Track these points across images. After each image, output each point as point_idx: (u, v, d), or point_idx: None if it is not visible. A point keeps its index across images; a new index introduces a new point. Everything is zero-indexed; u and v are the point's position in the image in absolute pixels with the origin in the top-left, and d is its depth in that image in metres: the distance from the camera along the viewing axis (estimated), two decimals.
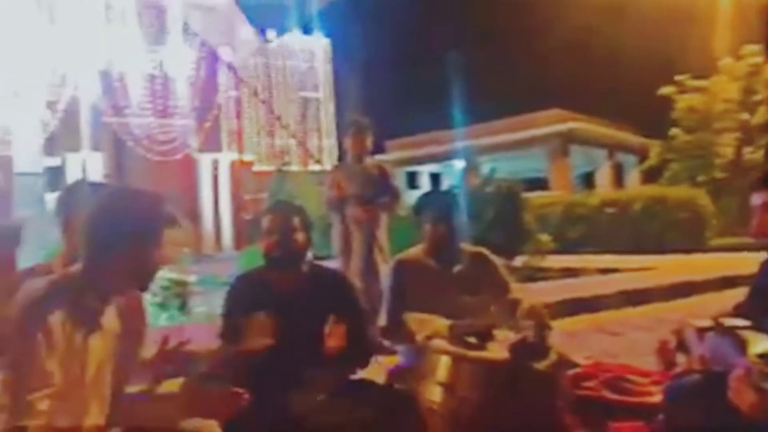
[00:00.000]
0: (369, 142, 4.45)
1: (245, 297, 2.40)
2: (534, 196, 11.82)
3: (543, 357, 2.25)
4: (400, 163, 22.08)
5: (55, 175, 13.81)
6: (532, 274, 8.18)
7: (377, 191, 4.39)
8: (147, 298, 6.16)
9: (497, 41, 23.22)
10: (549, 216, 12.20)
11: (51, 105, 13.10)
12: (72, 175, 13.55)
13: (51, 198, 9.47)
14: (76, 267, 1.68)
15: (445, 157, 21.66)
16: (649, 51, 18.77)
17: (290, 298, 2.34)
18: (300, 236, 2.37)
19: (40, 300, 1.54)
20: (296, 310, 2.27)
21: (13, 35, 12.61)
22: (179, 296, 6.52)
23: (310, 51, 19.66)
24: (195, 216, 14.96)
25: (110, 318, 1.72)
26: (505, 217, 8.76)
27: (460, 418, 2.10)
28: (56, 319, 1.51)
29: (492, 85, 21.55)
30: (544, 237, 9.16)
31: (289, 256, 2.37)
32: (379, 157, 22.18)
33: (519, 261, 8.52)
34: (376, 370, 2.60)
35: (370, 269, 4.25)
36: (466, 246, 2.91)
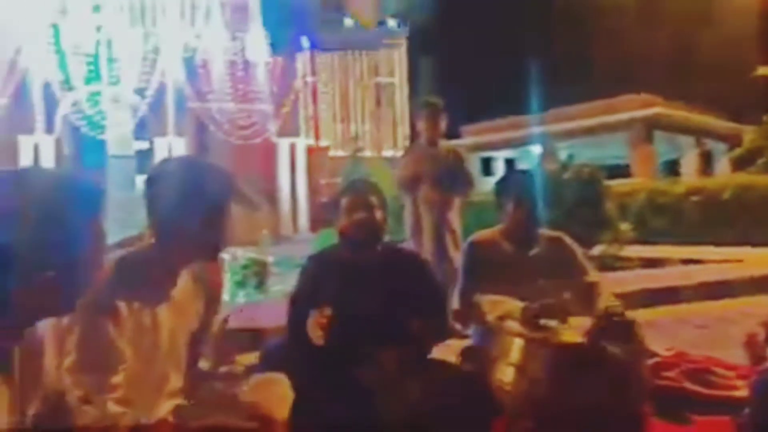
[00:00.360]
0: (443, 124, 4.41)
1: (319, 275, 2.43)
2: (615, 184, 11.38)
3: (622, 343, 2.19)
4: (475, 148, 21.79)
5: (144, 157, 14.59)
6: (611, 264, 7.90)
7: (450, 174, 4.35)
8: (226, 275, 6.37)
9: (578, 23, 22.36)
10: (630, 204, 11.71)
11: (140, 91, 13.81)
12: (160, 158, 14.21)
13: (141, 180, 10.00)
14: (146, 242, 1.73)
15: (522, 143, 21.20)
16: (741, 29, 17.55)
17: (365, 276, 2.34)
18: (378, 214, 2.35)
19: (106, 280, 1.54)
20: (371, 287, 2.28)
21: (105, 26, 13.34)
22: (257, 275, 6.74)
23: (386, 37, 19.69)
24: (273, 199, 15.37)
25: (182, 289, 1.76)
26: (584, 203, 8.47)
27: (531, 400, 2.08)
28: (123, 297, 1.54)
29: (572, 69, 20.85)
30: (625, 226, 8.82)
31: (368, 235, 2.37)
32: (453, 142, 22.04)
33: (597, 250, 8.25)
34: (447, 353, 2.60)
35: (440, 251, 4.23)
36: (544, 230, 2.85)
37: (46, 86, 13.32)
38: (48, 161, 13.43)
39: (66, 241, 1.16)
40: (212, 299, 2.14)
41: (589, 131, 20.12)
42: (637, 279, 6.24)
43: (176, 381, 1.74)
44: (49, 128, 13.53)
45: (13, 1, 13.86)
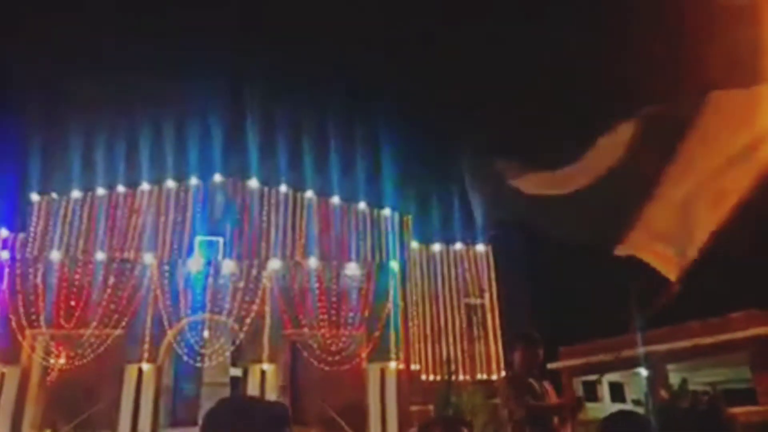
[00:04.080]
0: (540, 355, 4.25)
1: None
2: (739, 412, 10.13)
3: None
4: (576, 371, 20.55)
5: (237, 384, 14.79)
6: None
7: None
8: None
9: None
10: None
11: (239, 319, 14.52)
12: (252, 385, 14.35)
13: None
14: None
15: (628, 365, 19.79)
16: None
17: None
18: None
19: None
20: None
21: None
22: None
23: (474, 257, 20.18)
24: (363, 427, 14.81)
25: None
26: None
27: None
28: None
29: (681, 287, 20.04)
30: None
31: None
32: (552, 365, 20.99)
33: None
34: None
35: None
36: None
37: (156, 317, 14.32)
38: (148, 388, 13.86)
39: None
40: None
41: (704, 351, 18.58)
42: None
43: None
44: (153, 357, 14.20)
45: (135, 242, 15.73)
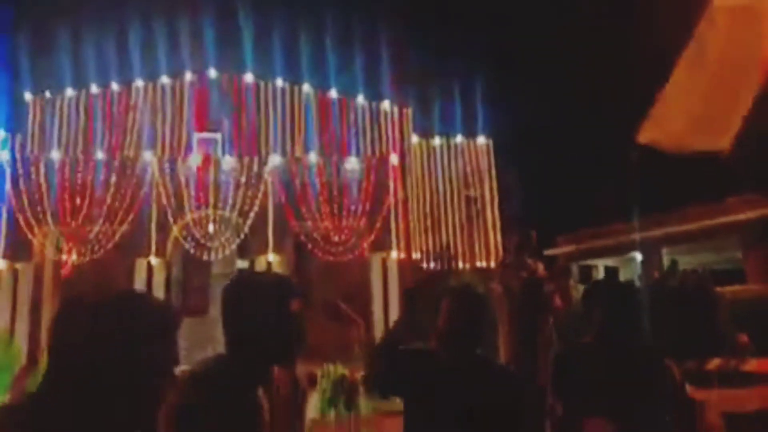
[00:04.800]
0: (533, 241, 4.44)
1: (410, 364, 2.42)
2: (728, 291, 10.54)
3: None
4: (572, 257, 21.16)
5: None
6: (729, 379, 7.16)
7: (546, 293, 4.30)
8: (318, 391, 6.40)
9: None
10: (747, 313, 10.74)
11: (243, 213, 14.80)
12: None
13: None
14: (217, 356, 1.79)
15: (622, 250, 20.36)
16: None
17: (457, 380, 2.31)
18: (477, 324, 2.40)
19: (188, 391, 1.61)
20: (461, 392, 2.24)
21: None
22: (347, 392, 6.68)
23: (475, 150, 20.17)
24: (367, 314, 15.46)
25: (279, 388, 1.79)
26: (693, 313, 7.90)
27: None
28: (202, 412, 1.58)
29: (674, 170, 20.13)
30: (744, 337, 8.06)
31: (462, 339, 2.38)
32: (549, 251, 21.59)
33: (713, 364, 7.54)
34: None
35: (537, 366, 4.07)
36: (636, 342, 2.69)
37: (161, 213, 14.61)
38: (159, 281, 14.43)
39: None
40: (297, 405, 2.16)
41: (698, 235, 19.05)
42: (761, 396, 5.60)
43: None
44: (161, 251, 14.63)
45: (134, 140, 15.73)
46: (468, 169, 20.27)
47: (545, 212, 20.13)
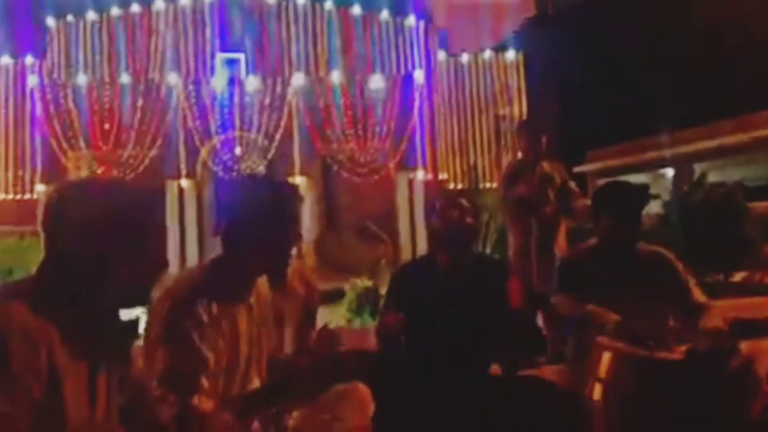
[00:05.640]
0: (543, 143, 4.37)
1: (410, 278, 2.53)
2: (759, 206, 10.34)
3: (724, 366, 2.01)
4: (602, 173, 20.84)
5: None
6: (756, 290, 7.17)
7: (558, 195, 4.27)
8: (344, 302, 6.66)
9: (713, 35, 20.83)
10: None
11: (269, 135, 14.86)
12: None
13: None
14: (217, 256, 1.84)
15: (653, 166, 19.96)
16: None
17: (454, 281, 2.41)
18: (469, 219, 2.49)
19: (187, 292, 1.66)
20: (458, 291, 2.33)
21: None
22: (372, 303, 6.92)
23: (504, 66, 19.59)
24: (393, 232, 15.67)
25: (262, 298, 1.85)
26: (719, 226, 7.82)
27: (622, 418, 1.95)
28: (203, 308, 1.63)
29: (708, 84, 19.36)
30: None
31: (458, 233, 2.47)
32: (578, 168, 21.28)
33: (739, 276, 7.54)
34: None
35: (548, 273, 4.12)
36: (644, 244, 2.72)
37: (188, 136, 14.77)
38: (190, 202, 14.80)
39: None
40: (308, 313, 2.25)
41: (728, 151, 18.52)
42: None
43: (257, 384, 1.84)
44: (191, 173, 14.89)
45: (157, 63, 15.68)
46: (496, 85, 19.78)
47: (575, 128, 19.71)
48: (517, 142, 4.49)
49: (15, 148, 15.33)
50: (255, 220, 1.74)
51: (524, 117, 18.38)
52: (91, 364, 1.28)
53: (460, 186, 18.44)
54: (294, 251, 1.86)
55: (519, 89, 20.06)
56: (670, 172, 19.25)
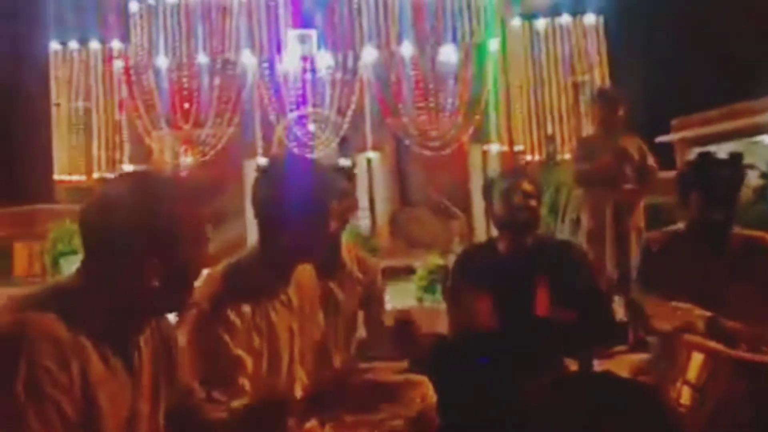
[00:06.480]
0: (621, 113, 4.07)
1: (471, 263, 2.44)
2: None
3: None
4: (690, 143, 19.64)
5: (346, 172, 15.67)
6: None
7: (638, 170, 4.00)
8: (415, 280, 6.61)
9: None
10: None
11: (341, 111, 14.92)
12: (360, 172, 15.19)
13: None
14: (249, 248, 1.75)
15: (747, 133, 18.58)
16: None
17: (516, 264, 2.31)
18: (533, 202, 2.37)
19: (216, 290, 1.57)
20: (521, 275, 2.23)
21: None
22: (442, 281, 6.85)
23: (583, 30, 18.71)
24: (468, 208, 15.47)
25: (303, 290, 1.76)
26: None
27: (712, 425, 1.79)
28: (233, 304, 1.55)
29: None
30: None
31: (522, 220, 2.38)
32: (662, 138, 20.14)
33: None
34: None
35: (624, 254, 3.89)
36: (740, 229, 2.47)
37: (264, 114, 15.06)
38: None
39: None
40: (369, 298, 2.19)
41: None
42: None
43: (305, 382, 1.76)
44: (267, 152, 15.21)
45: (233, 43, 15.99)
46: (575, 51, 18.92)
47: (660, 95, 18.64)
48: (593, 113, 4.22)
49: (106, 130, 16.26)
50: (283, 206, 1.61)
51: (604, 85, 17.51)
52: (132, 373, 1.25)
53: (537, 158, 17.89)
54: (338, 236, 1.79)
55: (599, 55, 19.12)
56: (766, 139, 17.87)
